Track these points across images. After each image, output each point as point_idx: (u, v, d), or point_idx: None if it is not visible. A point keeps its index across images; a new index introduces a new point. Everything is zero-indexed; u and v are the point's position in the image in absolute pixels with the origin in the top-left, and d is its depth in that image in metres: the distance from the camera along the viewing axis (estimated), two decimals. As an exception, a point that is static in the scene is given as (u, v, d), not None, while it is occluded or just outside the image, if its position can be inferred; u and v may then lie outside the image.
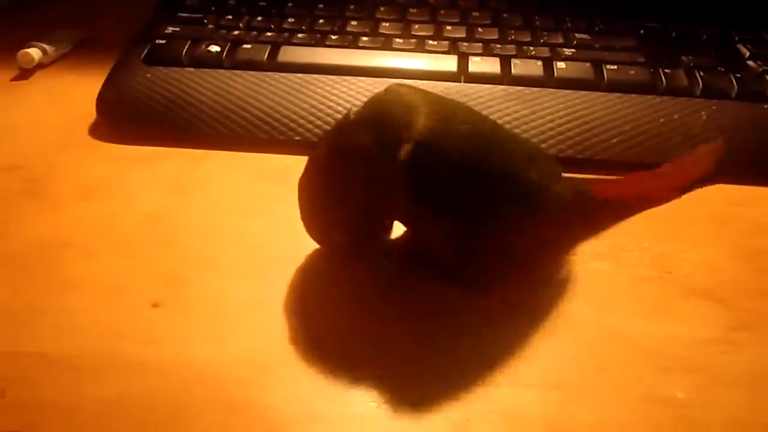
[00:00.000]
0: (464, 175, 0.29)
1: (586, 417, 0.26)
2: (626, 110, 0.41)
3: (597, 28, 0.48)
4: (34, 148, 0.40)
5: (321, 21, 0.48)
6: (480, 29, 0.47)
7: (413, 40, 0.46)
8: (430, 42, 0.46)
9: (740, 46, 0.47)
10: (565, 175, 0.34)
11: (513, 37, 0.47)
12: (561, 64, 0.44)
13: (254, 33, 0.47)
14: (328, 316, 0.31)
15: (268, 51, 0.44)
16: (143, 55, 0.45)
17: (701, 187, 0.38)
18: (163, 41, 0.45)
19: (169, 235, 0.34)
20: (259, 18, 0.48)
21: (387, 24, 0.48)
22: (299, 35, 0.46)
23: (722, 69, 0.44)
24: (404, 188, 0.29)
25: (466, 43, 0.46)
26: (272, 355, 0.29)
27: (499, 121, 0.39)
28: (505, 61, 0.44)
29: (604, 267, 0.33)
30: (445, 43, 0.46)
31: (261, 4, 0.50)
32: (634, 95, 0.42)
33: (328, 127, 0.40)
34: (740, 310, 0.31)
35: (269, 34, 0.46)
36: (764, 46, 0.47)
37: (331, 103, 0.41)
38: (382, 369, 0.28)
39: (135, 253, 0.33)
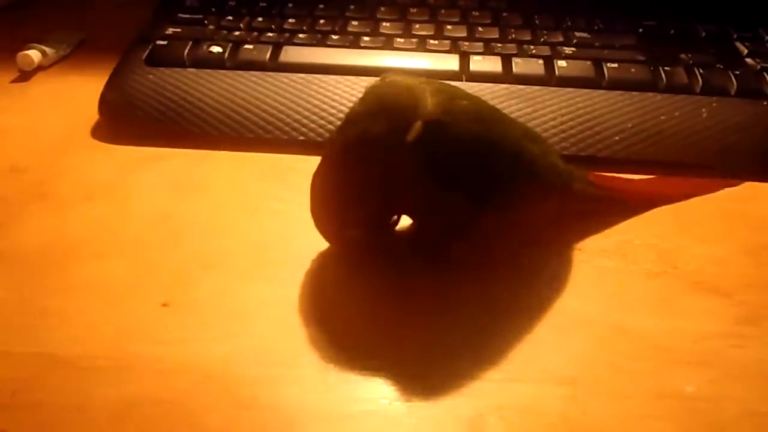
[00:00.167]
0: (473, 150, 0.30)
1: (599, 411, 0.27)
2: (627, 108, 0.41)
3: (596, 27, 0.48)
4: (38, 149, 0.40)
5: (322, 21, 0.48)
6: (480, 28, 0.48)
7: (414, 40, 0.46)
8: (431, 41, 0.46)
9: (738, 44, 0.47)
10: None
11: (513, 36, 0.47)
12: (562, 63, 0.44)
13: (255, 33, 0.47)
14: (338, 313, 0.31)
15: (270, 51, 0.44)
16: (145, 56, 0.45)
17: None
18: (165, 42, 0.45)
19: (176, 235, 0.34)
20: (260, 18, 0.48)
21: (388, 24, 0.48)
22: (300, 35, 0.46)
23: (721, 66, 0.44)
24: (418, 169, 0.29)
25: (467, 43, 0.46)
26: (282, 353, 0.29)
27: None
28: (507, 60, 0.44)
29: (611, 263, 0.33)
30: (446, 42, 0.46)
31: (261, 4, 0.50)
32: (634, 93, 0.42)
33: (332, 127, 0.40)
34: (747, 304, 0.31)
35: (270, 34, 0.46)
36: (762, 44, 0.47)
37: (335, 103, 0.41)
38: (394, 365, 0.28)
39: (143, 254, 0.33)
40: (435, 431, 0.26)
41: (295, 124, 0.41)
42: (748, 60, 0.45)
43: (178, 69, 0.44)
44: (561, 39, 0.47)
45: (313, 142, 0.40)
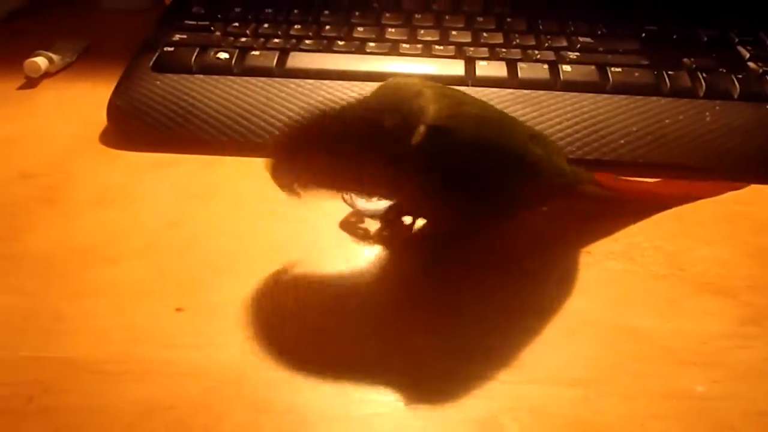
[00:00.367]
0: (477, 155, 0.30)
1: (609, 412, 0.27)
2: (632, 112, 0.42)
3: (599, 32, 0.49)
4: (48, 156, 0.41)
5: (327, 27, 0.48)
6: (485, 34, 0.48)
7: (419, 46, 0.46)
8: (437, 47, 0.46)
9: (740, 48, 0.48)
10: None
11: (518, 41, 0.47)
12: (566, 68, 0.44)
13: (262, 40, 0.47)
14: (350, 317, 0.31)
15: (276, 57, 0.45)
16: (152, 62, 0.45)
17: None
18: (172, 48, 0.46)
19: (188, 240, 0.35)
20: (266, 25, 0.49)
21: (393, 30, 0.48)
22: (307, 42, 0.47)
23: (724, 70, 0.45)
24: (422, 172, 0.29)
25: (472, 48, 0.46)
26: (296, 357, 0.29)
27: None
28: (512, 65, 0.44)
29: (618, 266, 0.34)
30: (452, 47, 0.46)
31: (267, 11, 0.50)
32: (639, 97, 0.43)
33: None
34: (752, 305, 0.32)
35: (277, 40, 0.47)
36: (764, 48, 0.47)
37: (342, 108, 0.42)
38: (406, 368, 0.28)
39: (155, 259, 0.33)
40: (448, 433, 0.26)
41: (303, 130, 0.41)
42: (751, 64, 0.46)
43: (185, 75, 0.44)
44: (565, 44, 0.47)
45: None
